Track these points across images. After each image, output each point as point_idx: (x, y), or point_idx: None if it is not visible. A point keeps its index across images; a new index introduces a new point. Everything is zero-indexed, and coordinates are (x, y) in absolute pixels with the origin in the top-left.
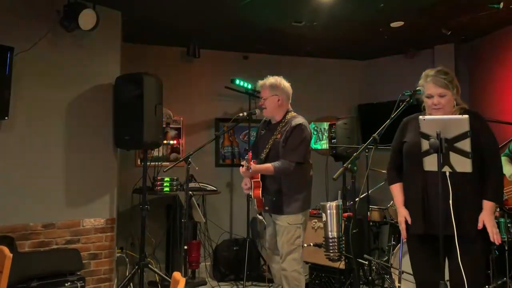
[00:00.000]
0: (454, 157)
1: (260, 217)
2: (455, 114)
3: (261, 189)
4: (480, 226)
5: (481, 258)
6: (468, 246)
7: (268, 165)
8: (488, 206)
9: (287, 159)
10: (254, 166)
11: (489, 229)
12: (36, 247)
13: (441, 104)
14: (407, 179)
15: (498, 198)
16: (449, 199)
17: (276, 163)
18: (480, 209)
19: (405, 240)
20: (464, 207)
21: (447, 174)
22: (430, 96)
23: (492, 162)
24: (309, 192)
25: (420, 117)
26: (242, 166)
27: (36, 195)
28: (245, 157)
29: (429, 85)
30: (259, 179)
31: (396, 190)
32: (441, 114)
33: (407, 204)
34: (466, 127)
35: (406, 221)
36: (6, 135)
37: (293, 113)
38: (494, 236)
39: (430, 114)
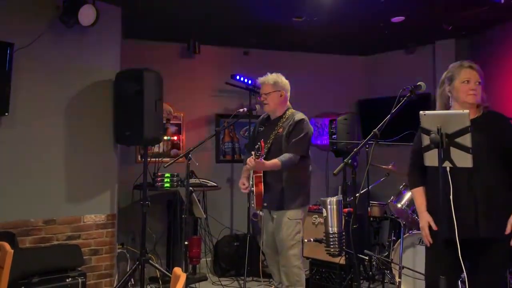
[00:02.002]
0: (454, 152)
1: (261, 213)
2: (478, 110)
3: (262, 184)
4: (508, 230)
5: (505, 263)
6: (495, 250)
7: (275, 161)
8: None
9: (292, 152)
10: (262, 162)
11: None
12: (37, 243)
13: (478, 91)
14: (431, 181)
15: None
16: (450, 196)
17: (282, 157)
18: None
19: (429, 245)
20: (492, 208)
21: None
22: (466, 81)
23: None
24: (308, 188)
25: (421, 112)
26: (257, 157)
27: (36, 191)
28: (256, 146)
29: (466, 70)
30: (261, 174)
31: (418, 194)
32: (475, 101)
33: (431, 209)
34: (466, 122)
35: (430, 226)
36: (6, 131)
37: (293, 110)
38: None
39: (463, 102)
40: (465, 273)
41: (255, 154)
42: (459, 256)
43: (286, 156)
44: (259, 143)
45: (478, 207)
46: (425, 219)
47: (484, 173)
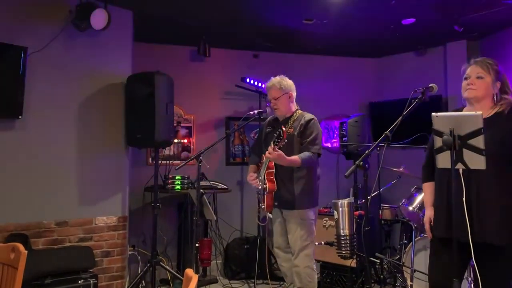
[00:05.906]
0: (467, 154)
1: (270, 215)
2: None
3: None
4: None
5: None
6: (498, 255)
7: (295, 157)
8: None
9: (310, 151)
10: (282, 155)
11: None
12: (49, 245)
13: (477, 85)
14: (436, 178)
15: None
16: (462, 197)
17: (302, 155)
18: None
19: (430, 240)
20: (490, 211)
21: (462, 172)
22: (466, 77)
23: None
24: (318, 188)
25: (433, 114)
26: (277, 143)
27: (49, 193)
28: (277, 133)
29: (469, 67)
30: (274, 171)
31: (426, 189)
32: (470, 95)
33: (434, 204)
34: (479, 124)
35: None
36: (19, 134)
37: (300, 111)
38: None
39: (464, 99)
40: (470, 274)
41: (274, 142)
42: (456, 257)
43: (306, 154)
44: (280, 130)
45: (476, 211)
46: (427, 214)
47: (484, 176)
